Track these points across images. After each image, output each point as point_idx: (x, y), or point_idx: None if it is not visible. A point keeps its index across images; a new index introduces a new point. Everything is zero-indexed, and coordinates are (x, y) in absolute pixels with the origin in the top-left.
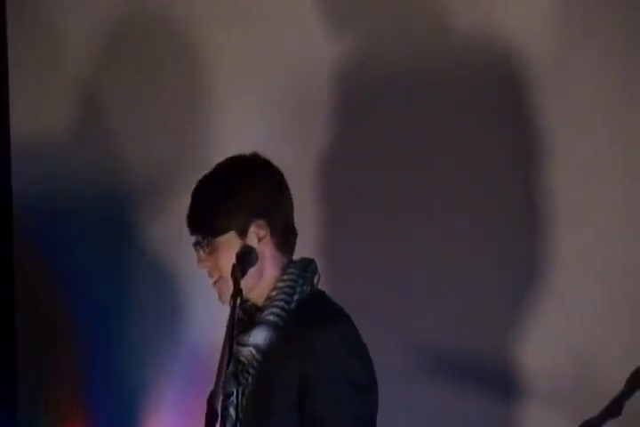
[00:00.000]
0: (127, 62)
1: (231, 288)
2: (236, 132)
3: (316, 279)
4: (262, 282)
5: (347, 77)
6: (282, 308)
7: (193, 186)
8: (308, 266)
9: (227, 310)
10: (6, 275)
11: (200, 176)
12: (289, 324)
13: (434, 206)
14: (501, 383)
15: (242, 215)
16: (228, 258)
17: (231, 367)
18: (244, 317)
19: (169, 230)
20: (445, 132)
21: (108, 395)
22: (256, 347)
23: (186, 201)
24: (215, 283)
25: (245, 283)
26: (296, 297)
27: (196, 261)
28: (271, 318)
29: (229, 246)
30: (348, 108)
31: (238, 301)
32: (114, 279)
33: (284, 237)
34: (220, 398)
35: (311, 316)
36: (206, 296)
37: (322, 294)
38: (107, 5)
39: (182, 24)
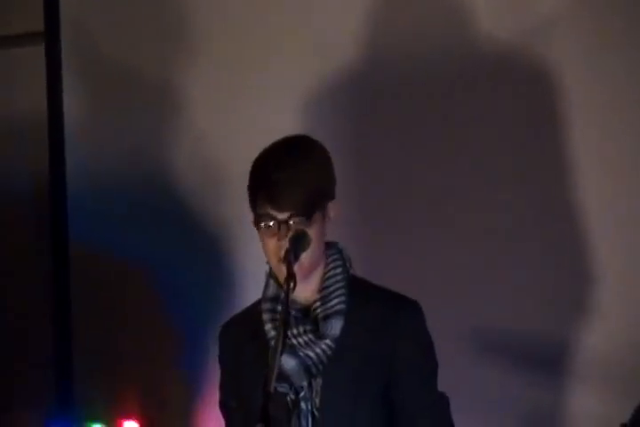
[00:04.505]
0: (178, 56)
1: (308, 268)
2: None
3: (348, 258)
4: (321, 265)
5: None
6: (345, 295)
7: (258, 164)
8: (338, 247)
9: None
10: (62, 274)
11: (260, 154)
12: (351, 307)
13: (476, 194)
14: (551, 368)
15: (324, 196)
16: (315, 238)
17: (296, 362)
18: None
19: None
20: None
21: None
22: (333, 338)
23: (239, 189)
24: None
25: (312, 265)
26: (347, 282)
27: (277, 238)
28: (342, 306)
29: (318, 226)
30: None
31: (292, 285)
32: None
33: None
34: (274, 378)
35: (375, 295)
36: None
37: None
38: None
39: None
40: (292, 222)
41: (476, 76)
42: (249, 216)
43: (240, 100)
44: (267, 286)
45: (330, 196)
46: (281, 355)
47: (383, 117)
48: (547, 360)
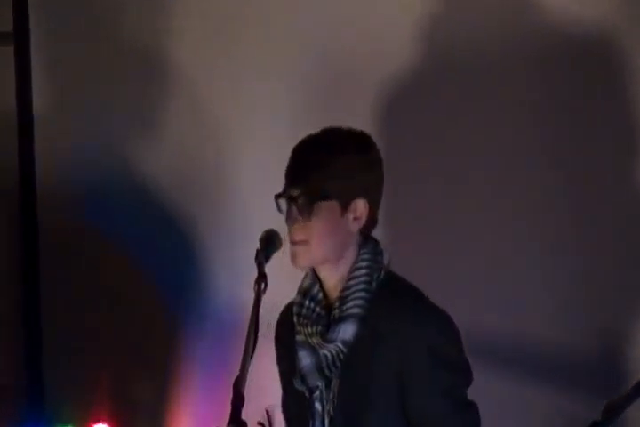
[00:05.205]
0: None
1: (312, 255)
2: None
3: (386, 261)
4: (342, 262)
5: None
6: (364, 298)
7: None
8: (376, 248)
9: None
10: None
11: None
12: (372, 313)
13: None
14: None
15: (352, 189)
16: (323, 225)
17: (311, 361)
18: (315, 307)
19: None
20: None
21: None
22: (344, 342)
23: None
24: (294, 244)
25: (326, 257)
26: (374, 284)
27: (286, 217)
28: (357, 310)
29: (329, 214)
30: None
31: (262, 286)
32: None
33: (372, 222)
34: (245, 380)
35: (397, 303)
36: (233, 272)
37: (393, 275)
38: None
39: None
40: (299, 201)
41: (479, 75)
42: (230, 201)
43: (223, 90)
44: (305, 276)
45: (360, 194)
46: (251, 358)
47: (383, 114)
48: (555, 365)
